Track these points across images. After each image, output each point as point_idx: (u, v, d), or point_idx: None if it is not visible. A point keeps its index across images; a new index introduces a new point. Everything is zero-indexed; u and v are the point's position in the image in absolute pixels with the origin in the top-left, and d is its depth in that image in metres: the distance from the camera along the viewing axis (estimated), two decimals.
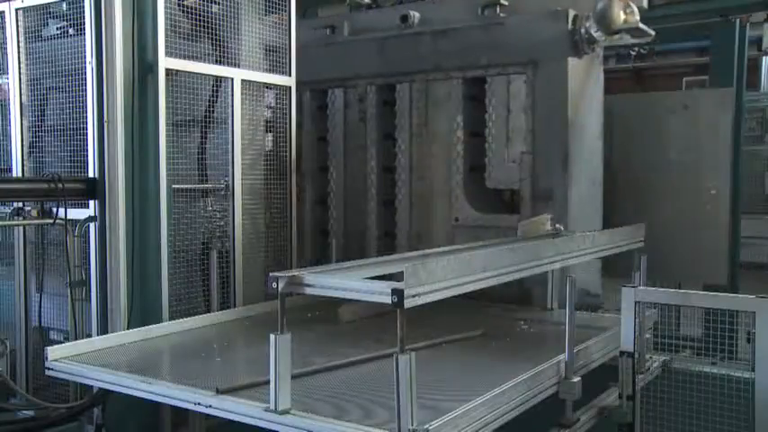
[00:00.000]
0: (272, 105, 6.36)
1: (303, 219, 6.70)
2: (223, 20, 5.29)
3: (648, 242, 5.26)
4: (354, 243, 6.42)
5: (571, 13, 5.46)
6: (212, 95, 5.32)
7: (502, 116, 5.78)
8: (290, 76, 5.86)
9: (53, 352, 3.93)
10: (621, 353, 4.16)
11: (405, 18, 6.09)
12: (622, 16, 5.30)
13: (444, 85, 6.01)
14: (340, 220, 6.59)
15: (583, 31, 5.43)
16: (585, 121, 5.73)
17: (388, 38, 6.23)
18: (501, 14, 5.77)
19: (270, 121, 5.80)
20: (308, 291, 3.15)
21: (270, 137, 5.97)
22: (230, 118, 5.35)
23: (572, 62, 5.48)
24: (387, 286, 2.89)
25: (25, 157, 5.41)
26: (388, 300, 2.84)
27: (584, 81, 5.70)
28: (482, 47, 5.76)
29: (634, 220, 5.43)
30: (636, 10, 5.35)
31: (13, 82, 5.40)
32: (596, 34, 5.39)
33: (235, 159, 5.37)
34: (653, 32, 5.51)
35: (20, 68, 5.37)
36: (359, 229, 6.46)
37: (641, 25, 5.37)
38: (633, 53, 14.71)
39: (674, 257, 5.98)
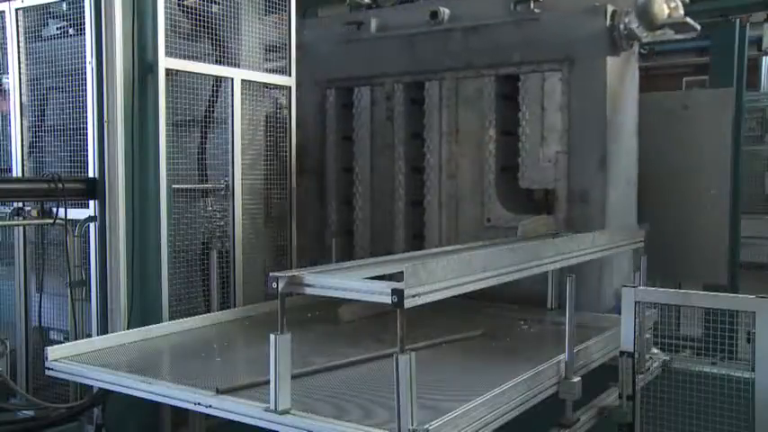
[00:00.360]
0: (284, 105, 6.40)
1: (327, 219, 6.61)
2: (223, 20, 5.30)
3: (649, 242, 5.26)
4: (381, 245, 6.29)
5: (609, 9, 5.33)
6: (212, 95, 5.32)
7: (536, 115, 5.65)
8: (290, 76, 5.87)
9: (53, 352, 3.93)
10: (621, 353, 4.16)
11: (434, 14, 5.94)
12: (666, 10, 5.12)
13: (475, 83, 5.88)
14: (366, 221, 6.47)
15: (622, 27, 5.28)
16: (622, 119, 5.62)
17: (416, 35, 6.07)
18: (535, 10, 5.61)
19: (270, 120, 5.81)
20: (308, 291, 3.15)
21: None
22: (230, 118, 5.35)
23: (610, 59, 5.36)
24: (387, 286, 2.89)
25: (25, 157, 5.41)
26: (388, 300, 2.84)
27: (622, 78, 5.57)
28: (515, 43, 5.65)
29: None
30: (680, 4, 5.18)
31: (13, 82, 5.40)
32: (637, 30, 5.23)
33: (235, 159, 5.37)
34: (698, 27, 5.31)
35: (20, 68, 5.37)
36: (386, 230, 6.32)
37: (688, 19, 5.17)
38: None
39: (675, 257, 5.97)
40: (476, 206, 5.93)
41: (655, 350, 5.05)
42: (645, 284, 4.80)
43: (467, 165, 5.98)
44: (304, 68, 6.59)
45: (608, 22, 5.32)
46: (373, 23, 6.26)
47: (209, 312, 5.07)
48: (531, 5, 5.60)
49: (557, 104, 5.54)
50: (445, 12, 5.94)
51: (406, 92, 6.22)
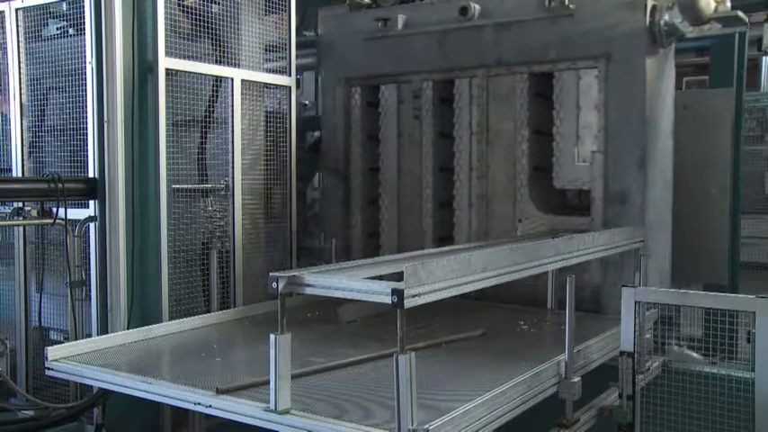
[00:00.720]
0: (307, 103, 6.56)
1: (351, 220, 6.46)
2: (223, 20, 5.30)
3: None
4: (408, 247, 6.04)
5: (649, 3, 5.16)
6: (212, 95, 5.32)
7: (571, 113, 5.52)
8: (290, 76, 5.87)
9: (53, 352, 3.93)
10: (621, 353, 4.16)
11: (464, 10, 5.75)
12: (713, 4, 4.94)
13: (507, 81, 5.74)
14: (392, 222, 6.31)
15: (662, 22, 5.14)
16: (660, 117, 5.45)
17: (446, 31, 5.89)
18: (570, 6, 5.40)
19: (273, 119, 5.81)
20: (308, 291, 3.14)
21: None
22: (230, 118, 5.35)
23: (650, 56, 5.19)
24: (387, 286, 2.88)
25: (25, 157, 5.41)
26: (388, 300, 2.84)
27: (660, 75, 5.37)
28: (550, 40, 5.48)
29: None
30: None
31: (13, 82, 5.40)
32: (681, 25, 5.09)
33: (235, 159, 5.37)
34: (747, 19, 5.15)
35: (20, 68, 5.38)
36: (413, 232, 6.15)
37: (739, 13, 5.00)
38: None
39: (674, 257, 5.96)
40: (507, 207, 5.78)
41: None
42: (645, 284, 4.80)
43: (498, 164, 5.83)
44: (327, 66, 6.50)
45: (648, 17, 5.16)
46: (400, 20, 6.09)
47: (209, 312, 5.07)
48: (566, 1, 5.41)
49: (593, 103, 5.41)
50: (476, 8, 5.77)
51: (435, 90, 6.06)
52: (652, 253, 5.21)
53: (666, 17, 5.17)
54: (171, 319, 4.82)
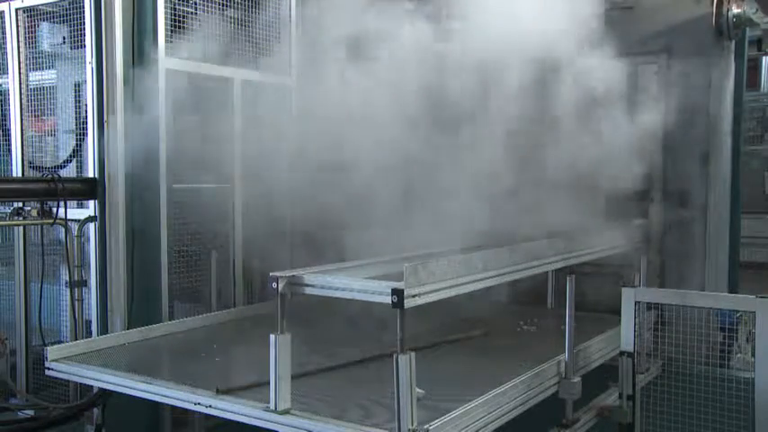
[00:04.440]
0: None
1: None
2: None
3: None
4: None
5: None
6: None
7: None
8: (290, 75, 5.86)
9: (53, 352, 3.93)
10: (621, 353, 4.16)
11: None
12: None
13: None
14: None
15: (731, 14, 4.99)
16: (721, 114, 5.29)
17: None
18: None
19: None
20: (308, 291, 3.15)
21: None
22: (230, 118, 5.35)
23: (714, 49, 5.05)
24: (387, 286, 2.89)
25: (25, 157, 5.41)
26: (388, 300, 2.84)
27: (723, 69, 5.27)
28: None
29: None
30: None
31: (13, 82, 5.40)
32: (755, 15, 4.95)
33: (235, 159, 5.37)
34: None
35: (20, 68, 5.37)
36: None
37: None
38: None
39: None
40: None
41: None
42: (645, 284, 4.80)
43: None
44: None
45: (714, 8, 4.99)
46: None
47: (209, 312, 5.07)
48: None
49: (651, 99, 5.17)
50: None
51: None
52: (712, 257, 5.12)
53: (735, 8, 4.99)
54: (171, 318, 4.82)
